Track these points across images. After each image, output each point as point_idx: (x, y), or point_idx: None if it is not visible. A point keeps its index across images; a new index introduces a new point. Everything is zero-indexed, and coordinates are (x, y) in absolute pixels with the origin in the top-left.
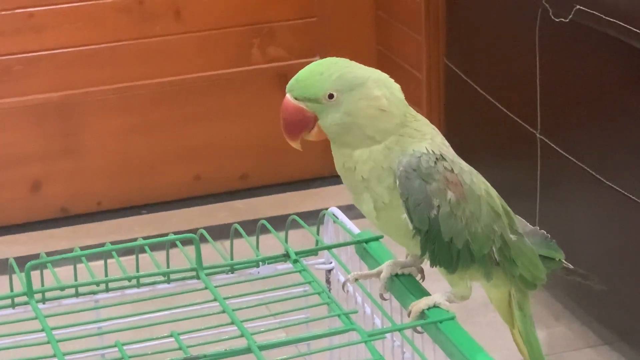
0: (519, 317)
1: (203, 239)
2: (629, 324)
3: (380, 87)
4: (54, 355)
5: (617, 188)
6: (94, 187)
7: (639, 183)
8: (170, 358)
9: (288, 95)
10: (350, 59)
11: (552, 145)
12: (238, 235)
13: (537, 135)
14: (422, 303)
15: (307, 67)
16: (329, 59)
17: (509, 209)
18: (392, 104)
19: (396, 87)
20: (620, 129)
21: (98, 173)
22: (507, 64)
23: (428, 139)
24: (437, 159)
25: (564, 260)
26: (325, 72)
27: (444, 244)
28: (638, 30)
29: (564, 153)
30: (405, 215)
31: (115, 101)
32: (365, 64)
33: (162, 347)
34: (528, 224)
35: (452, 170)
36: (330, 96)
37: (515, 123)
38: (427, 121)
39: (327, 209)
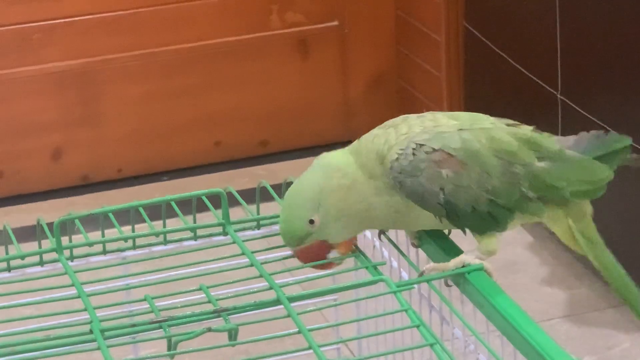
0: (586, 246)
1: (228, 199)
2: None
3: (330, 176)
4: (84, 309)
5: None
6: (115, 155)
7: None
8: (200, 310)
9: (293, 251)
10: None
11: (573, 105)
12: (261, 198)
13: (558, 96)
14: (451, 264)
15: (281, 223)
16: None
17: (531, 134)
18: (348, 175)
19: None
20: None
21: (118, 140)
22: (527, 25)
23: (394, 135)
24: (413, 149)
25: (631, 144)
26: (291, 215)
27: (470, 215)
28: None
29: (585, 113)
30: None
31: (134, 68)
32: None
33: (191, 301)
34: (571, 137)
35: (434, 149)
36: (311, 222)
37: (535, 84)
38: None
39: None
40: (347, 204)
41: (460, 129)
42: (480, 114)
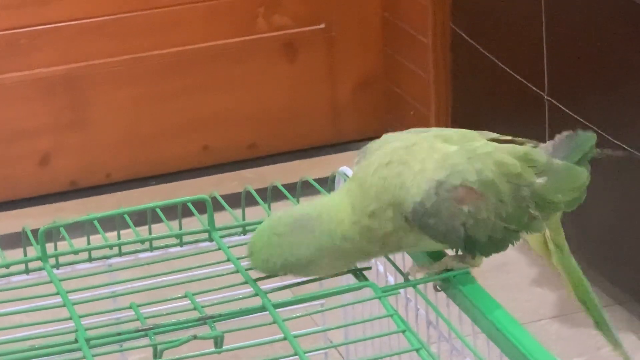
0: (556, 253)
1: (215, 204)
2: None
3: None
4: (70, 318)
5: (627, 147)
6: (103, 160)
7: None
8: (185, 318)
9: None
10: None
11: (560, 106)
12: (249, 202)
13: (545, 97)
14: (435, 268)
15: (255, 246)
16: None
17: (524, 149)
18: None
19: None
20: (628, 88)
21: (106, 145)
22: (513, 26)
23: (409, 174)
24: (436, 188)
25: (596, 148)
26: (270, 259)
27: (485, 243)
28: None
29: (572, 114)
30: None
31: (122, 73)
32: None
33: (177, 309)
34: (548, 142)
35: (455, 187)
36: (284, 274)
37: (522, 85)
38: (381, 150)
39: None
40: (328, 271)
41: (470, 158)
42: (466, 131)
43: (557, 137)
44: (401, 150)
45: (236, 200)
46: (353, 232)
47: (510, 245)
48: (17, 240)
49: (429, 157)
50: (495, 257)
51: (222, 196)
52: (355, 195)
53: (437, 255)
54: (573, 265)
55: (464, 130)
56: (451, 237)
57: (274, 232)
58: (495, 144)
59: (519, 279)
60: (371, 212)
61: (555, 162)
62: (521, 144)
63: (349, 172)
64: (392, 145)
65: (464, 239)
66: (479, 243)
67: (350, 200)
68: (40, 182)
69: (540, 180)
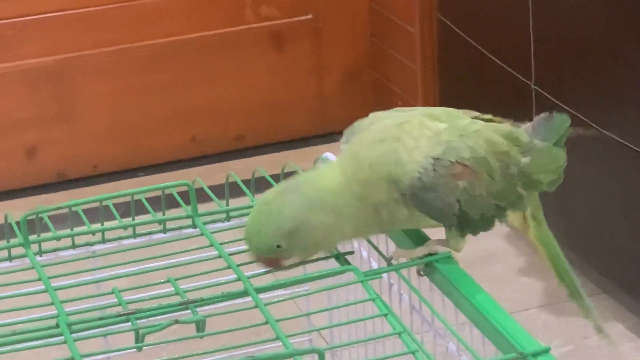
0: (534, 226)
1: (201, 194)
2: (628, 272)
3: (312, 210)
4: (52, 303)
5: (614, 136)
6: (90, 151)
7: (636, 131)
8: (167, 303)
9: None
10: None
11: (547, 95)
12: (234, 192)
13: (532, 86)
14: (418, 252)
15: (248, 224)
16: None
17: (509, 128)
18: (334, 210)
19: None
20: (615, 77)
21: (93, 137)
22: (501, 16)
23: (404, 151)
24: (433, 164)
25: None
26: (259, 235)
27: (477, 221)
28: None
29: (559, 103)
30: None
31: (109, 64)
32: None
33: (160, 294)
34: (528, 124)
35: (451, 163)
36: (279, 246)
37: (509, 75)
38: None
39: None
40: (324, 237)
41: (461, 135)
42: (451, 109)
43: (535, 119)
44: (393, 128)
45: (223, 191)
46: (343, 190)
47: (494, 224)
48: (1, 231)
49: (421, 134)
50: (482, 248)
51: (209, 187)
52: (348, 164)
53: (420, 240)
54: (550, 238)
55: (448, 108)
56: (446, 213)
57: (262, 202)
58: (482, 122)
59: (506, 269)
60: (364, 180)
61: (536, 143)
62: (500, 122)
63: (333, 158)
64: (383, 122)
65: (458, 216)
66: (471, 220)
67: (342, 168)
68: (26, 174)
69: (525, 160)
